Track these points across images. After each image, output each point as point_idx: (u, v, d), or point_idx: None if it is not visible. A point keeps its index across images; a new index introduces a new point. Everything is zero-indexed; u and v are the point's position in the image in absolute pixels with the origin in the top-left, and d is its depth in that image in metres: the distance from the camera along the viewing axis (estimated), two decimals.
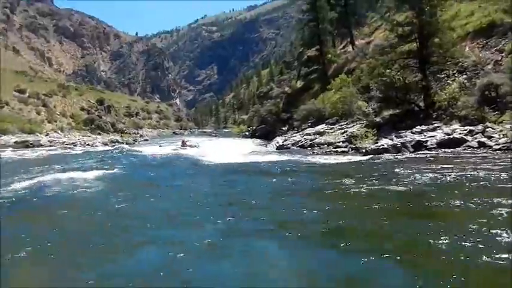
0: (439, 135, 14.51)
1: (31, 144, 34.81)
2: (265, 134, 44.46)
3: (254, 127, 54.22)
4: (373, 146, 15.10)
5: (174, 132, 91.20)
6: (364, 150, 15.58)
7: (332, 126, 23.21)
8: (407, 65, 20.85)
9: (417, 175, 9.87)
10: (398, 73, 20.76)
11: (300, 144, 21.34)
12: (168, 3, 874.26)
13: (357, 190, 8.84)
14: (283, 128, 39.52)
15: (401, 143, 14.51)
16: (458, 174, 9.61)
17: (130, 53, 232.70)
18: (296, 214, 7.41)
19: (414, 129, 16.07)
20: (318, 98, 31.15)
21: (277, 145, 23.12)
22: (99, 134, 51.99)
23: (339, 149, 17.77)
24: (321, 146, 19.44)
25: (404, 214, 7.00)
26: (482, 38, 23.84)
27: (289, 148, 21.32)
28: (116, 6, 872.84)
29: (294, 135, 24.50)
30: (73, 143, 37.97)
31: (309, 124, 29.60)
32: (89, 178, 12.42)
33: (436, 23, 19.52)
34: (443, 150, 13.78)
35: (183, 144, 29.44)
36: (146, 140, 55.44)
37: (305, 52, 65.14)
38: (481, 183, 8.50)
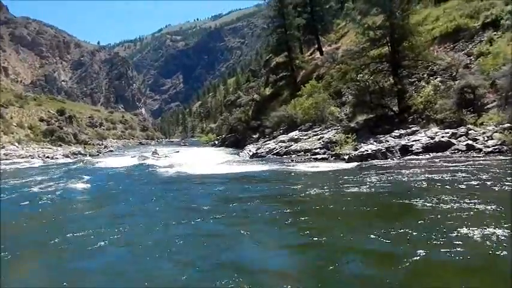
0: (424, 139, 14.10)
1: None
2: (235, 142, 43.57)
3: (223, 136, 53.25)
4: (355, 152, 14.49)
5: (140, 143, 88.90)
6: (345, 157, 14.96)
7: (306, 133, 22.62)
8: (380, 69, 20.61)
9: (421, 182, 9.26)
10: (371, 77, 20.55)
11: (274, 152, 20.55)
12: (130, 13, 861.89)
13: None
14: (254, 136, 38.75)
15: (385, 148, 13.99)
16: (474, 181, 8.97)
17: (92, 62, 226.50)
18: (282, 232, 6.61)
19: (393, 134, 15.66)
20: (289, 104, 30.62)
21: (250, 154, 22.27)
22: (60, 145, 49.51)
23: (317, 156, 17.08)
24: (298, 154, 18.74)
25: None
26: (449, 42, 24.10)
27: (264, 156, 20.49)
28: (77, 15, 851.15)
29: (267, 142, 23.76)
30: (30, 156, 35.71)
31: (281, 131, 28.97)
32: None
33: (408, 27, 19.41)
34: (431, 154, 13.36)
35: (154, 153, 28.18)
36: (111, 151, 53.29)
37: (272, 59, 65.09)
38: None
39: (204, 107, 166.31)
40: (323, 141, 18.87)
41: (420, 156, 13.19)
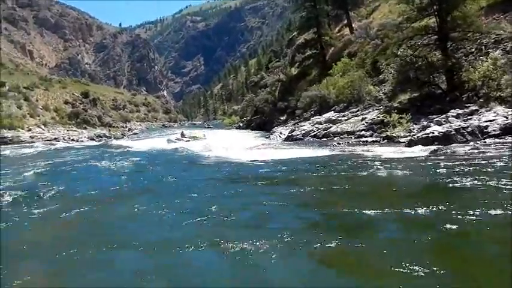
0: (500, 119, 12.39)
1: (10, 140, 32.12)
2: (261, 124, 42.32)
3: (248, 117, 52.01)
4: (419, 135, 12.90)
5: (163, 125, 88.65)
6: (401, 140, 13.46)
7: (343, 114, 21.12)
8: (426, 43, 18.77)
9: None
10: (416, 52, 18.76)
11: (312, 134, 19.17)
12: None
13: None
14: (281, 118, 37.39)
15: (454, 129, 12.39)
16: None
17: (114, 44, 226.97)
18: None
19: (449, 114, 13.98)
20: (321, 84, 28.98)
21: (283, 136, 20.96)
22: (85, 128, 49.24)
23: (365, 139, 15.62)
24: (340, 136, 17.33)
25: None
26: (497, 13, 21.95)
27: (301, 139, 19.12)
28: None
29: (302, 124, 22.34)
30: (55, 138, 35.30)
31: (312, 112, 27.52)
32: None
33: None
34: None
35: (182, 135, 27.18)
36: (135, 133, 52.91)
37: (296, 38, 63.00)
38: None
39: (226, 89, 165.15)
40: (366, 122, 17.39)
41: (503, 140, 11.48)
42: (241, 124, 55.02)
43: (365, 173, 9.61)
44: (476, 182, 7.42)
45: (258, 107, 46.66)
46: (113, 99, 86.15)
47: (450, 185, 7.53)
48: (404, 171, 9.35)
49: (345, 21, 43.76)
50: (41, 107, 51.45)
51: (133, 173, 13.06)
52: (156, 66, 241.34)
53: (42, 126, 43.88)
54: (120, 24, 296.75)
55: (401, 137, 14.09)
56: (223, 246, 5.21)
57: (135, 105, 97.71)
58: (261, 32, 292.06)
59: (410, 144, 12.65)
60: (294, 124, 26.53)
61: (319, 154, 13.62)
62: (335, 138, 17.20)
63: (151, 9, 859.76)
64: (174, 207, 7.64)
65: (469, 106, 14.55)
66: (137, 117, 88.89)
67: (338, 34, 43.19)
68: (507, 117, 12.30)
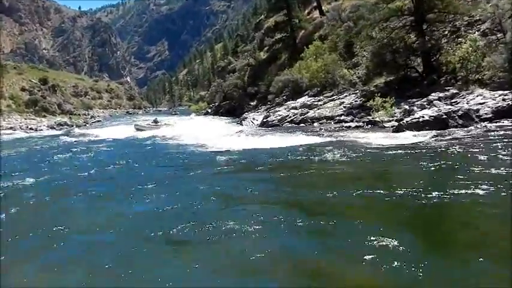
0: (490, 102, 12.00)
1: None
2: (230, 110, 41.31)
3: (217, 103, 50.80)
4: (407, 119, 12.34)
5: (127, 112, 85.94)
6: (387, 125, 12.92)
7: (319, 98, 20.50)
8: (402, 24, 18.31)
9: None
10: (392, 34, 18.29)
11: (288, 120, 18.45)
12: None
13: None
14: (252, 103, 36.56)
15: (445, 113, 11.88)
16: None
17: (74, 28, 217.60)
18: None
19: (430, 98, 13.58)
20: (294, 68, 28.24)
21: (257, 122, 20.16)
22: (44, 116, 46.57)
23: (348, 124, 15.00)
24: (319, 121, 16.68)
25: None
26: None
27: (278, 125, 18.36)
28: None
29: (277, 109, 21.56)
30: (11, 128, 33.05)
31: (284, 97, 26.80)
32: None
33: None
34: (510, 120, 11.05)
35: (155, 122, 25.94)
36: (99, 121, 50.68)
37: (263, 21, 61.88)
38: None
39: (192, 74, 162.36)
40: (344, 107, 16.82)
41: (499, 123, 11.09)
42: (209, 110, 53.76)
43: (390, 168, 8.47)
44: None
45: (227, 92, 45.55)
46: (73, 86, 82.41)
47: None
48: (430, 162, 8.27)
49: (314, 4, 43.06)
50: None
51: (99, 163, 11.93)
52: (118, 52, 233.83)
53: None
54: (79, 8, 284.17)
55: (385, 121, 13.58)
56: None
57: (98, 92, 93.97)
58: (227, 16, 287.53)
59: (399, 129, 12.12)
60: (267, 109, 25.73)
61: (309, 141, 12.64)
62: (315, 124, 16.55)
63: None
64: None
65: (449, 89, 14.21)
66: (100, 104, 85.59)
67: (308, 17, 42.45)
68: (495, 100, 11.96)
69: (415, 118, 11.97)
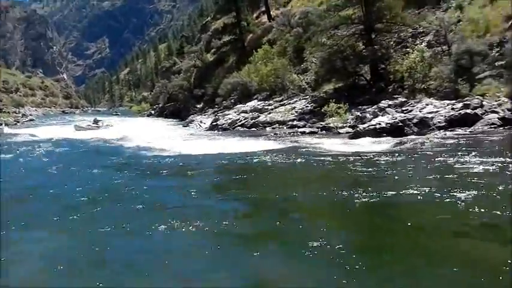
0: (443, 111, 12.20)
1: None
2: (175, 112, 40.23)
3: (161, 105, 49.34)
4: (364, 126, 12.23)
5: (63, 111, 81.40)
6: (341, 131, 12.79)
7: (269, 102, 20.25)
8: (352, 32, 18.56)
9: None
10: (342, 41, 18.48)
11: (239, 123, 17.94)
12: None
13: None
14: (198, 106, 35.77)
15: (401, 121, 11.90)
16: None
17: (5, 20, 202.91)
18: None
19: (380, 105, 13.72)
20: (243, 71, 27.87)
21: (205, 126, 19.53)
22: None
23: (302, 129, 14.75)
24: (271, 126, 16.35)
25: None
26: (413, 8, 22.66)
27: (228, 129, 17.78)
28: None
29: (227, 113, 20.97)
30: None
31: (232, 101, 26.36)
32: None
33: None
34: (463, 129, 11.24)
35: (95, 122, 24.42)
36: (32, 120, 47.22)
37: (210, 23, 61.19)
38: None
39: (133, 74, 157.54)
40: (296, 112, 16.65)
41: (456, 132, 11.25)
42: (152, 112, 52.15)
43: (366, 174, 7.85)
44: None
45: (172, 93, 44.31)
46: (3, 81, 76.46)
47: None
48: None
49: (262, 9, 43.13)
50: None
51: (32, 168, 10.70)
52: (54, 47, 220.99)
53: None
54: None
55: (339, 127, 13.53)
56: None
57: (30, 89, 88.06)
58: (172, 16, 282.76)
59: (356, 135, 12.02)
60: (214, 113, 25.14)
61: (266, 147, 12.03)
62: (267, 129, 16.19)
63: None
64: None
65: (397, 97, 14.50)
66: (32, 102, 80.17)
67: (256, 21, 42.42)
68: (446, 109, 12.28)
69: (371, 125, 12.00)
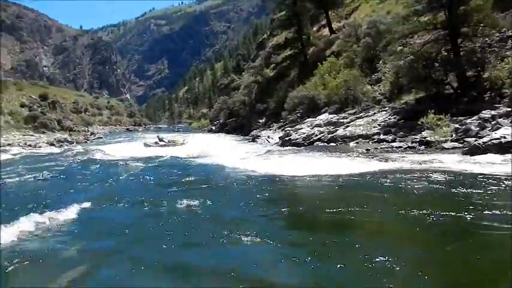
0: None
1: None
2: (237, 127, 40.04)
3: (221, 120, 49.58)
4: (484, 140, 10.63)
5: (127, 129, 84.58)
6: (448, 146, 11.36)
7: (342, 115, 19.08)
8: (434, 38, 17.08)
9: None
10: (422, 48, 17.06)
11: (315, 138, 16.92)
12: None
13: None
14: (260, 120, 35.25)
15: None
16: None
17: (75, 47, 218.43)
18: None
19: (481, 115, 12.17)
20: (309, 84, 26.98)
21: (273, 141, 18.68)
22: (43, 132, 45.04)
23: (392, 144, 13.39)
24: (355, 141, 15.18)
25: None
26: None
27: (303, 144, 16.77)
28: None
29: (299, 127, 20.05)
30: (8, 144, 31.40)
31: (298, 115, 25.45)
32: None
33: None
34: None
35: (160, 140, 24.58)
36: (99, 137, 49.18)
37: (267, 40, 61.33)
38: None
39: (191, 92, 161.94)
40: (379, 124, 15.38)
41: None
42: (213, 127, 52.52)
43: None
44: None
45: (233, 109, 44.36)
46: (73, 102, 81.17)
47: None
48: None
49: (323, 22, 42.31)
50: None
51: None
52: (118, 69, 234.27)
53: None
54: (81, 27, 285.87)
55: (442, 142, 12.05)
56: None
57: (98, 109, 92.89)
58: (227, 36, 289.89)
59: (472, 151, 10.41)
60: (280, 127, 24.34)
61: (372, 168, 10.24)
62: (350, 144, 14.96)
63: (113, 13, 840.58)
64: None
65: (500, 107, 12.81)
66: (100, 121, 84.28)
67: (317, 34, 41.61)
68: None
69: (495, 138, 10.35)
